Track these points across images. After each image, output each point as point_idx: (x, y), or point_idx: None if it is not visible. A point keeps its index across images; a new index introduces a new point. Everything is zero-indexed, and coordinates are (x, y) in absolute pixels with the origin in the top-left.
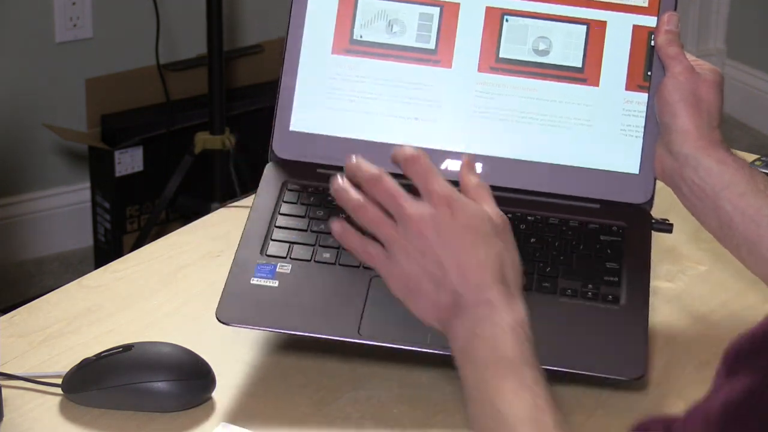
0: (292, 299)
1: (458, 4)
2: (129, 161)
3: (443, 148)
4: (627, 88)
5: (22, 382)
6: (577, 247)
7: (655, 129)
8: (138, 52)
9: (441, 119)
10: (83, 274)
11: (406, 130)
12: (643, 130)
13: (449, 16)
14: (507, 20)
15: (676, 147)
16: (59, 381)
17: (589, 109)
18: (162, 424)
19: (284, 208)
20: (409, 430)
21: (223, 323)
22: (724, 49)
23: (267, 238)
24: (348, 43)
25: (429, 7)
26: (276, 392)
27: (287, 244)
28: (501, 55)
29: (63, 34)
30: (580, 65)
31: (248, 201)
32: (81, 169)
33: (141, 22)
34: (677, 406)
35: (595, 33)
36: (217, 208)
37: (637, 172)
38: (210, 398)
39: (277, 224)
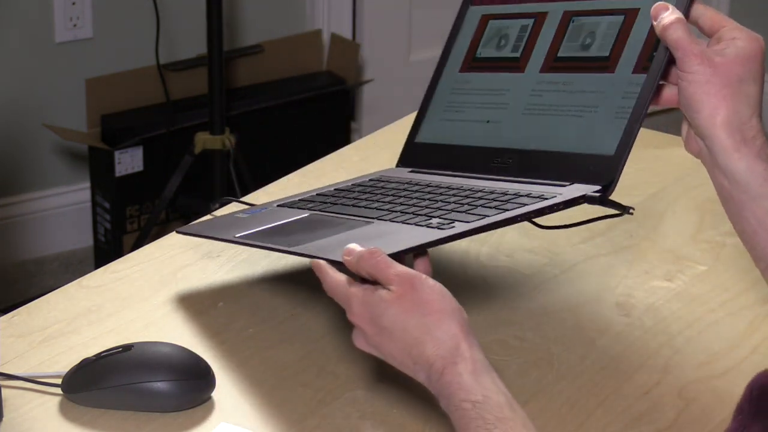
0: None
1: (546, 13)
2: (129, 161)
3: (497, 146)
4: (633, 71)
5: (22, 382)
6: None
7: (641, 110)
8: (138, 52)
9: (504, 120)
10: (83, 274)
11: (480, 133)
12: (630, 111)
13: (538, 25)
14: (573, 21)
15: (703, 143)
16: (59, 381)
17: (599, 96)
18: (162, 424)
19: None
20: (409, 430)
21: None
22: None
23: None
24: (471, 60)
25: (526, 20)
26: (276, 392)
27: None
28: (559, 55)
29: (63, 34)
30: (607, 54)
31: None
32: (81, 169)
33: (141, 22)
34: (677, 406)
35: (629, 21)
36: (217, 208)
37: (612, 153)
38: (210, 398)
39: None
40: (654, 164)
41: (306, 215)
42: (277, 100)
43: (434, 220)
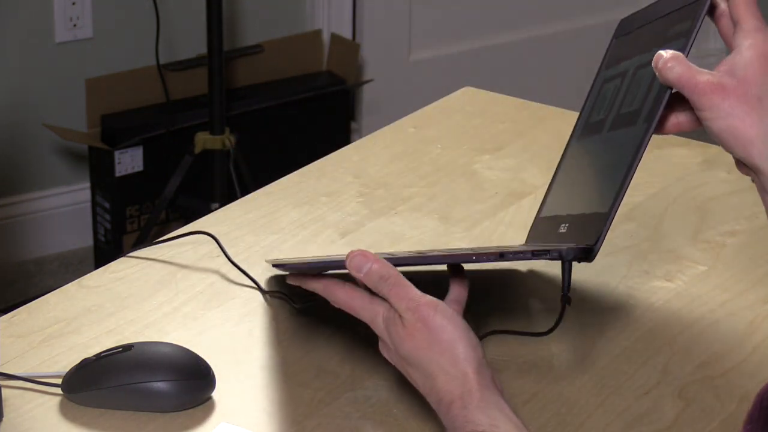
0: None
1: (626, 72)
2: (129, 161)
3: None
4: (644, 122)
5: (22, 382)
6: None
7: (634, 160)
8: (138, 52)
9: (577, 184)
10: (83, 274)
11: (562, 201)
12: (627, 166)
13: (622, 83)
14: (635, 75)
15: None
16: (59, 381)
17: (619, 151)
18: (162, 424)
19: None
20: (409, 430)
21: None
22: (724, 49)
23: None
24: (584, 127)
25: (616, 81)
26: (276, 392)
27: None
28: (621, 112)
29: (63, 34)
30: (638, 107)
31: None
32: (81, 169)
33: (141, 22)
34: (677, 406)
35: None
36: (217, 208)
37: (606, 210)
38: (210, 398)
39: None
40: (654, 164)
41: None
42: (277, 100)
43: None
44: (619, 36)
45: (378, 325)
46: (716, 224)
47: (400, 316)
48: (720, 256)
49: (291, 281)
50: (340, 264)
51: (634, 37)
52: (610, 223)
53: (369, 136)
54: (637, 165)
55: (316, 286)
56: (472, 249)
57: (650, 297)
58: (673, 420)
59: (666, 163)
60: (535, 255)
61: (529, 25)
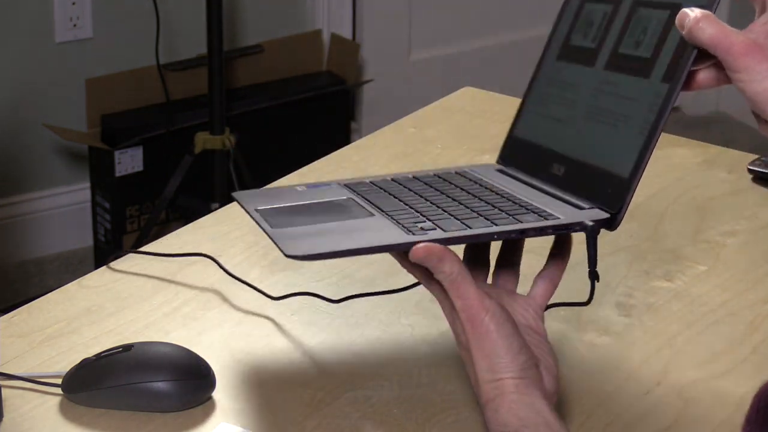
0: None
1: (621, 2)
2: (129, 161)
3: (558, 151)
4: (662, 79)
5: (22, 382)
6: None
7: (656, 129)
8: (138, 52)
9: (568, 121)
10: (83, 274)
11: (553, 133)
12: (649, 128)
13: (613, 13)
14: (636, 12)
15: None
16: (59, 381)
17: (633, 104)
18: (162, 424)
19: None
20: (409, 430)
21: None
22: None
23: None
24: (564, 48)
25: (606, 6)
26: (276, 392)
27: None
28: (619, 51)
29: (63, 34)
30: (648, 56)
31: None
32: (81, 169)
33: (141, 22)
34: (677, 406)
35: (671, 19)
36: (217, 208)
37: (626, 176)
38: (210, 398)
39: None
40: (654, 164)
41: (344, 198)
42: (277, 100)
43: (421, 224)
44: None
45: (444, 311)
46: (716, 224)
47: (455, 314)
48: (720, 256)
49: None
50: (389, 248)
51: None
52: (634, 192)
53: (369, 136)
54: (661, 130)
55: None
56: (490, 224)
57: (650, 297)
58: (673, 420)
59: (666, 163)
60: (557, 230)
61: (528, 25)
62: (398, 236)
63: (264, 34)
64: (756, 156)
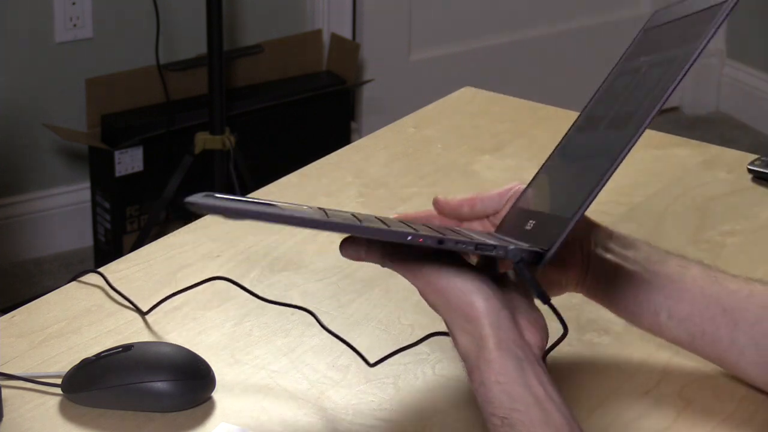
0: None
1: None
2: (129, 161)
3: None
4: (631, 130)
5: (22, 382)
6: None
7: (604, 178)
8: (138, 52)
9: (557, 179)
10: (83, 274)
11: (538, 195)
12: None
13: (633, 81)
14: (646, 72)
15: None
16: (59, 381)
17: (601, 155)
18: (162, 424)
19: None
20: (409, 430)
21: None
22: (724, 49)
23: None
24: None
25: (630, 76)
26: (276, 392)
27: None
28: (619, 111)
29: (63, 34)
30: (632, 109)
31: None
32: (81, 169)
33: (141, 22)
34: (677, 405)
35: (666, 74)
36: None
37: (569, 217)
38: (210, 398)
39: None
40: (654, 164)
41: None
42: (277, 100)
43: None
44: (648, 29)
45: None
46: (716, 224)
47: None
48: (720, 256)
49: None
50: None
51: (659, 32)
52: (569, 231)
53: (369, 136)
54: (611, 173)
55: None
56: (413, 227)
57: None
58: (673, 420)
59: (666, 163)
60: (479, 248)
61: (529, 25)
62: (308, 214)
63: (264, 34)
64: (756, 156)
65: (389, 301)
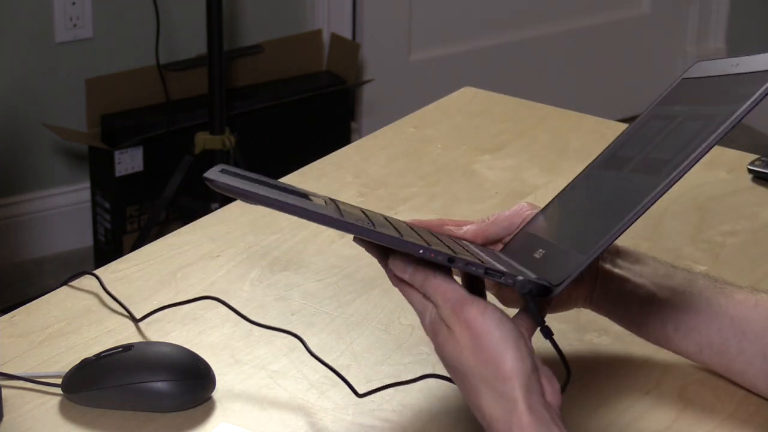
0: None
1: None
2: (129, 161)
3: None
4: (664, 177)
5: (22, 382)
6: None
7: (627, 220)
8: (138, 52)
9: (570, 213)
10: (83, 274)
11: (549, 224)
12: (624, 215)
13: (666, 128)
14: (682, 123)
15: None
16: (59, 381)
17: (625, 197)
18: (162, 424)
19: None
20: (409, 430)
21: None
22: (724, 49)
23: None
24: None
25: (663, 121)
26: (276, 392)
27: None
28: (649, 156)
29: (63, 34)
30: (669, 157)
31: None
32: (81, 169)
33: (141, 22)
34: (677, 406)
35: (705, 128)
36: (217, 208)
37: (584, 256)
38: (210, 398)
39: None
40: None
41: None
42: (277, 100)
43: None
44: (688, 78)
45: (424, 319)
46: (716, 224)
47: (441, 318)
48: (720, 256)
49: (357, 242)
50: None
51: (700, 84)
52: (582, 270)
53: (369, 136)
54: (635, 218)
55: (378, 255)
56: (426, 240)
57: None
58: (673, 420)
59: None
60: (488, 274)
61: (529, 25)
62: (320, 209)
63: (264, 34)
64: (756, 156)
65: (389, 301)
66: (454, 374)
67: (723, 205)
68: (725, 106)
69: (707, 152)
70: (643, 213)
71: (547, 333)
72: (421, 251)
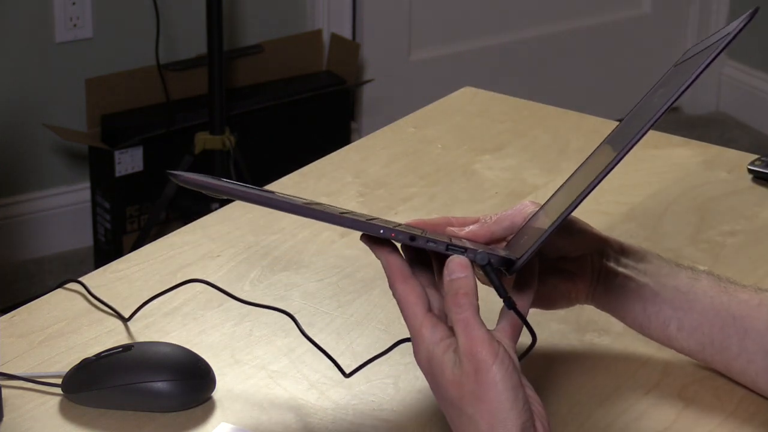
0: None
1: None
2: (129, 161)
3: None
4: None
5: (22, 382)
6: None
7: (583, 193)
8: (138, 52)
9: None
10: (83, 274)
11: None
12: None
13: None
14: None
15: None
16: (59, 381)
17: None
18: (162, 424)
19: None
20: (409, 430)
21: None
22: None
23: None
24: None
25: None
26: (276, 392)
27: None
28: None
29: (63, 34)
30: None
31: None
32: (81, 169)
33: (141, 22)
34: (677, 406)
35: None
36: (217, 208)
37: (545, 228)
38: (210, 398)
39: None
40: (654, 164)
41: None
42: (277, 100)
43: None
44: (677, 64)
45: (417, 346)
46: (716, 224)
47: (457, 356)
48: (720, 256)
49: (364, 240)
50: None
51: (682, 66)
52: (541, 243)
53: (369, 136)
54: (591, 189)
55: (382, 257)
56: (386, 222)
57: None
58: (673, 420)
59: (666, 163)
60: (450, 249)
61: (529, 25)
62: (283, 198)
63: (264, 34)
64: (756, 156)
65: (389, 301)
66: (444, 408)
67: (723, 205)
68: (684, 77)
69: (652, 126)
70: (596, 185)
71: (510, 304)
72: (381, 231)
